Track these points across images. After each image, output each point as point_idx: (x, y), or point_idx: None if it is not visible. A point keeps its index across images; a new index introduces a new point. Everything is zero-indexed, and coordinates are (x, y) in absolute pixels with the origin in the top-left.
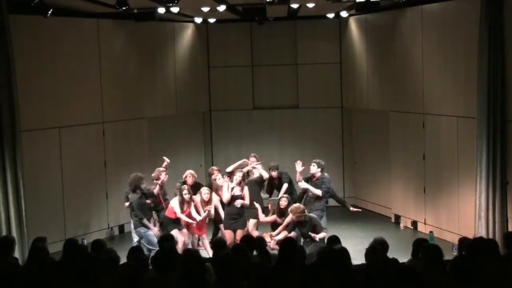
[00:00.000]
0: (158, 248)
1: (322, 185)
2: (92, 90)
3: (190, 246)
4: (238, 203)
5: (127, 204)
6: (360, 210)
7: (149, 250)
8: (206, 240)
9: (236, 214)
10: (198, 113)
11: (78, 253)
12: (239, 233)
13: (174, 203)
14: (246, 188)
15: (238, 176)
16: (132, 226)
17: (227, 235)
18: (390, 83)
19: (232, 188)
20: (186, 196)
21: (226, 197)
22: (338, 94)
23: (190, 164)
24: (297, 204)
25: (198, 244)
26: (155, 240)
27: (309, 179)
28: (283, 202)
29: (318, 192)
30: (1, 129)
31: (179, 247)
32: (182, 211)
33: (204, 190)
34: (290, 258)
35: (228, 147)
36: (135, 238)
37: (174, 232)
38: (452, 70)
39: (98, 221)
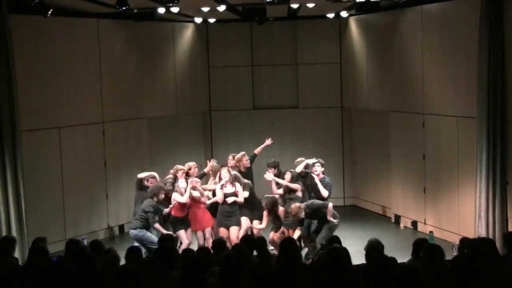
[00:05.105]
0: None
1: (326, 186)
2: (92, 90)
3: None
4: (229, 200)
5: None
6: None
7: (151, 250)
8: (210, 241)
9: (230, 212)
10: (198, 113)
11: (78, 253)
12: (233, 230)
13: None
14: (238, 185)
15: (224, 174)
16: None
17: (221, 232)
18: (390, 83)
19: (223, 185)
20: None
21: (219, 196)
22: (338, 94)
23: None
24: (297, 205)
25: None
26: (155, 238)
27: (305, 176)
28: (288, 176)
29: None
30: (1, 129)
31: (184, 248)
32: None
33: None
34: (290, 258)
35: (228, 147)
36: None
37: (181, 233)
38: (452, 70)
39: (98, 221)
